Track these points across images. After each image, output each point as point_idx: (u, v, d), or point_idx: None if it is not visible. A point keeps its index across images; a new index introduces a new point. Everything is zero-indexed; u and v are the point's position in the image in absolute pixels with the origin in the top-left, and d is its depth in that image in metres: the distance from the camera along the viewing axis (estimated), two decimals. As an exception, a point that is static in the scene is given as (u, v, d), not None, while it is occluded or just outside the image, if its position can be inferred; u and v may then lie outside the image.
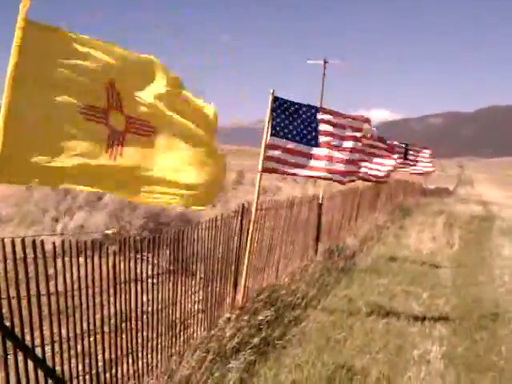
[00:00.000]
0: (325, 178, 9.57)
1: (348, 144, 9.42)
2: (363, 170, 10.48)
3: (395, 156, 15.88)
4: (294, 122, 8.77)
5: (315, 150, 8.96)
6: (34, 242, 4.58)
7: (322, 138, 9.06)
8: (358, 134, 9.60)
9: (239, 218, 8.44)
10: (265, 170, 8.60)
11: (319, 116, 9.09)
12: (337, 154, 9.26)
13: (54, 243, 4.76)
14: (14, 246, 4.41)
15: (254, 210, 8.63)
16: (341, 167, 9.30)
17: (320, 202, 13.44)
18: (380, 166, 12.43)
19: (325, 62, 55.28)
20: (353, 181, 10.47)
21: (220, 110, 5.92)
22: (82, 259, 5.13)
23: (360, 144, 9.69)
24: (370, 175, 12.88)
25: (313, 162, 8.96)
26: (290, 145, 8.67)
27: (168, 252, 6.63)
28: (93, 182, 4.77)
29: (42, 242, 4.66)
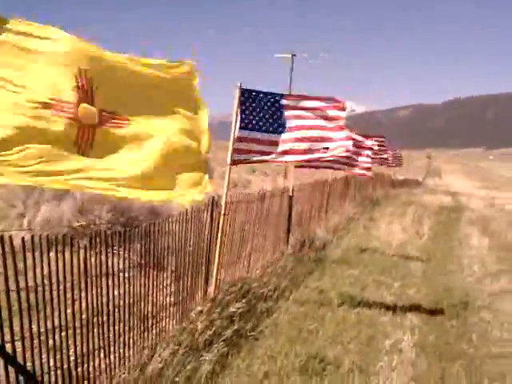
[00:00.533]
0: (291, 162, 9.57)
1: (316, 123, 9.31)
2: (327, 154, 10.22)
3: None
4: (261, 113, 8.76)
5: (283, 136, 8.95)
6: (1, 237, 4.53)
7: (288, 123, 9.02)
8: (336, 113, 9.44)
9: (209, 211, 8.42)
10: (234, 162, 8.59)
11: (284, 102, 9.06)
12: (302, 134, 9.16)
13: (23, 238, 4.70)
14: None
15: (223, 203, 8.62)
16: (305, 148, 9.21)
17: (290, 194, 13.46)
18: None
19: (293, 56, 55.16)
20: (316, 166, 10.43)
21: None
22: (52, 254, 5.08)
23: (328, 126, 9.50)
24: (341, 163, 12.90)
25: (280, 148, 8.94)
26: (259, 135, 8.67)
27: (139, 246, 6.60)
28: (60, 179, 4.73)
29: (11, 237, 4.60)
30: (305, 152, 9.22)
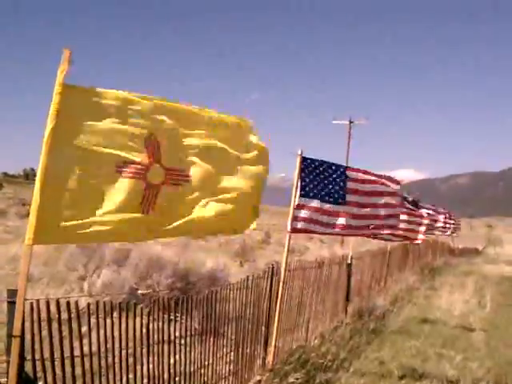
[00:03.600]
0: (351, 235, 9.64)
1: (376, 201, 9.49)
2: (386, 229, 10.39)
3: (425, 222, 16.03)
4: (322, 183, 8.83)
5: (342, 208, 9.01)
6: (68, 302, 4.61)
7: (349, 197, 9.12)
8: (389, 191, 9.63)
9: (269, 278, 8.40)
10: (294, 230, 8.61)
11: (347, 174, 9.16)
12: (363, 211, 9.32)
13: (88, 304, 4.78)
14: (48, 306, 4.45)
15: (283, 270, 8.59)
16: (367, 223, 9.37)
17: (349, 262, 13.35)
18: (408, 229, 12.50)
19: (350, 122, 55.61)
20: (380, 238, 10.49)
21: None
22: (113, 319, 5.13)
23: (391, 202, 9.69)
24: (396, 235, 12.89)
25: (340, 220, 9.00)
26: (319, 204, 8.71)
27: (199, 313, 6.60)
28: (123, 235, 4.82)
29: (77, 303, 4.69)
30: (359, 228, 9.37)
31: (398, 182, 9.87)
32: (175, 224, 5.01)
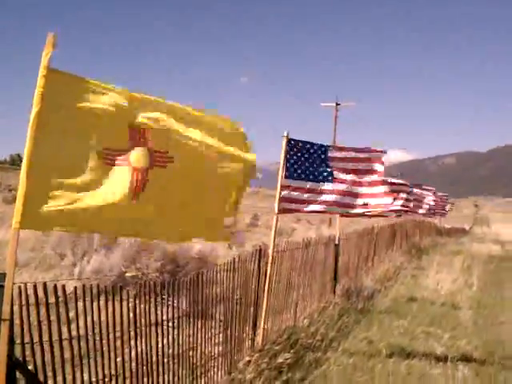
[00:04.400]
0: (337, 213, 9.69)
1: (363, 178, 9.49)
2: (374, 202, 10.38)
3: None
4: (307, 162, 8.84)
5: (328, 186, 9.04)
6: (54, 286, 4.61)
7: (335, 175, 9.14)
8: (376, 167, 9.61)
9: (256, 259, 8.43)
10: (281, 211, 8.63)
11: (330, 154, 9.17)
12: (350, 188, 9.33)
13: (75, 287, 4.78)
14: (35, 290, 4.45)
15: (271, 251, 8.62)
16: (352, 200, 9.39)
17: (336, 242, 13.40)
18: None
19: (337, 105, 55.72)
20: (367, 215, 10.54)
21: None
22: (101, 302, 5.13)
23: (375, 176, 9.67)
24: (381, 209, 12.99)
25: (325, 197, 9.03)
26: (304, 184, 8.74)
27: (187, 295, 6.61)
28: (116, 228, 4.83)
29: (64, 287, 4.68)
30: (346, 206, 9.39)
31: (381, 162, 9.79)
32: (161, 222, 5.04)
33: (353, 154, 9.47)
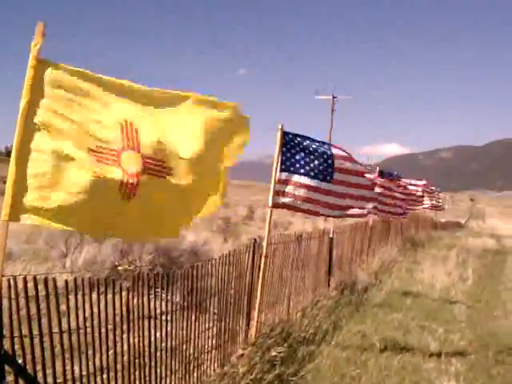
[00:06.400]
0: (336, 216, 9.77)
1: (359, 180, 9.56)
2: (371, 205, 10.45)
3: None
4: (307, 158, 8.75)
5: (330, 187, 9.00)
6: (45, 279, 4.57)
7: (336, 175, 9.09)
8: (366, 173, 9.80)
9: (251, 252, 8.40)
10: (275, 205, 8.59)
11: (334, 151, 9.13)
12: (351, 191, 9.36)
13: (66, 281, 4.73)
14: (25, 283, 4.41)
15: (265, 244, 8.59)
16: (354, 203, 9.44)
17: (331, 236, 13.39)
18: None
19: (333, 97, 55.54)
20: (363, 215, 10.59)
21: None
22: (94, 295, 5.10)
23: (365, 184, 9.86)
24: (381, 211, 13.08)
25: (323, 197, 8.97)
26: (303, 180, 8.66)
27: (181, 288, 6.58)
28: (106, 227, 4.78)
29: (54, 280, 4.64)
30: (342, 208, 9.43)
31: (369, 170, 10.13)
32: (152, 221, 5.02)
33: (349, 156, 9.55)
